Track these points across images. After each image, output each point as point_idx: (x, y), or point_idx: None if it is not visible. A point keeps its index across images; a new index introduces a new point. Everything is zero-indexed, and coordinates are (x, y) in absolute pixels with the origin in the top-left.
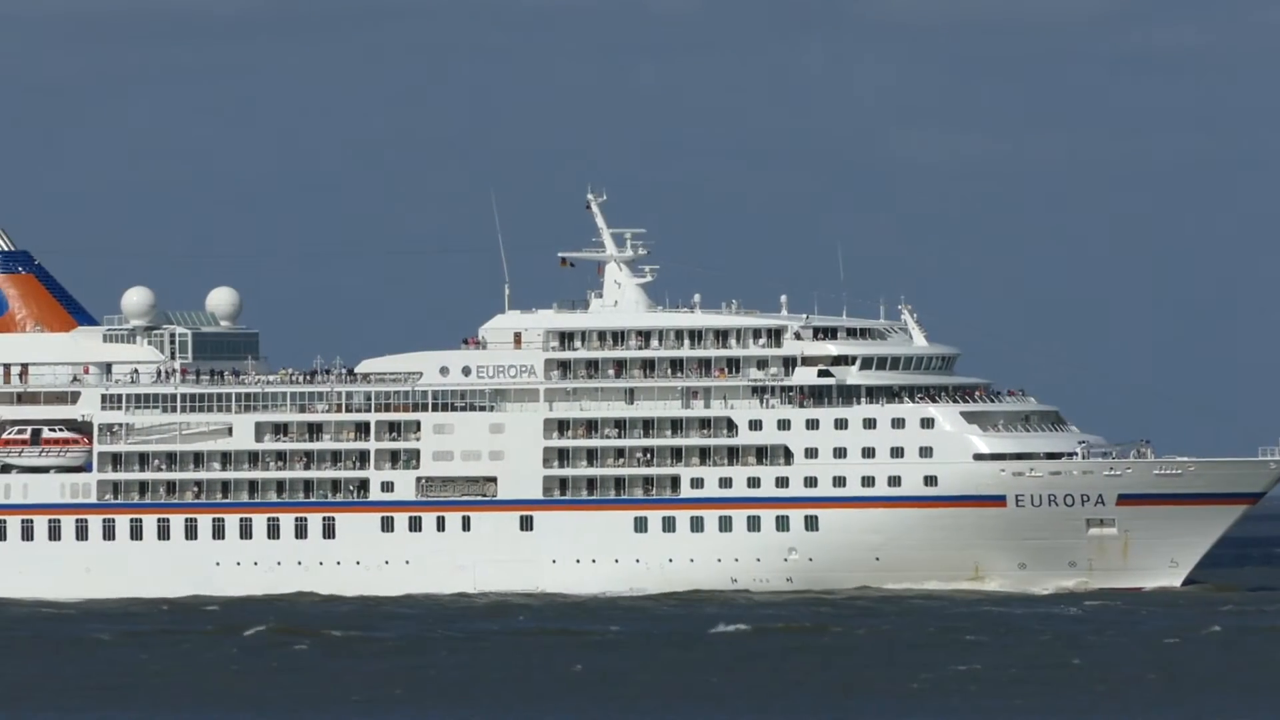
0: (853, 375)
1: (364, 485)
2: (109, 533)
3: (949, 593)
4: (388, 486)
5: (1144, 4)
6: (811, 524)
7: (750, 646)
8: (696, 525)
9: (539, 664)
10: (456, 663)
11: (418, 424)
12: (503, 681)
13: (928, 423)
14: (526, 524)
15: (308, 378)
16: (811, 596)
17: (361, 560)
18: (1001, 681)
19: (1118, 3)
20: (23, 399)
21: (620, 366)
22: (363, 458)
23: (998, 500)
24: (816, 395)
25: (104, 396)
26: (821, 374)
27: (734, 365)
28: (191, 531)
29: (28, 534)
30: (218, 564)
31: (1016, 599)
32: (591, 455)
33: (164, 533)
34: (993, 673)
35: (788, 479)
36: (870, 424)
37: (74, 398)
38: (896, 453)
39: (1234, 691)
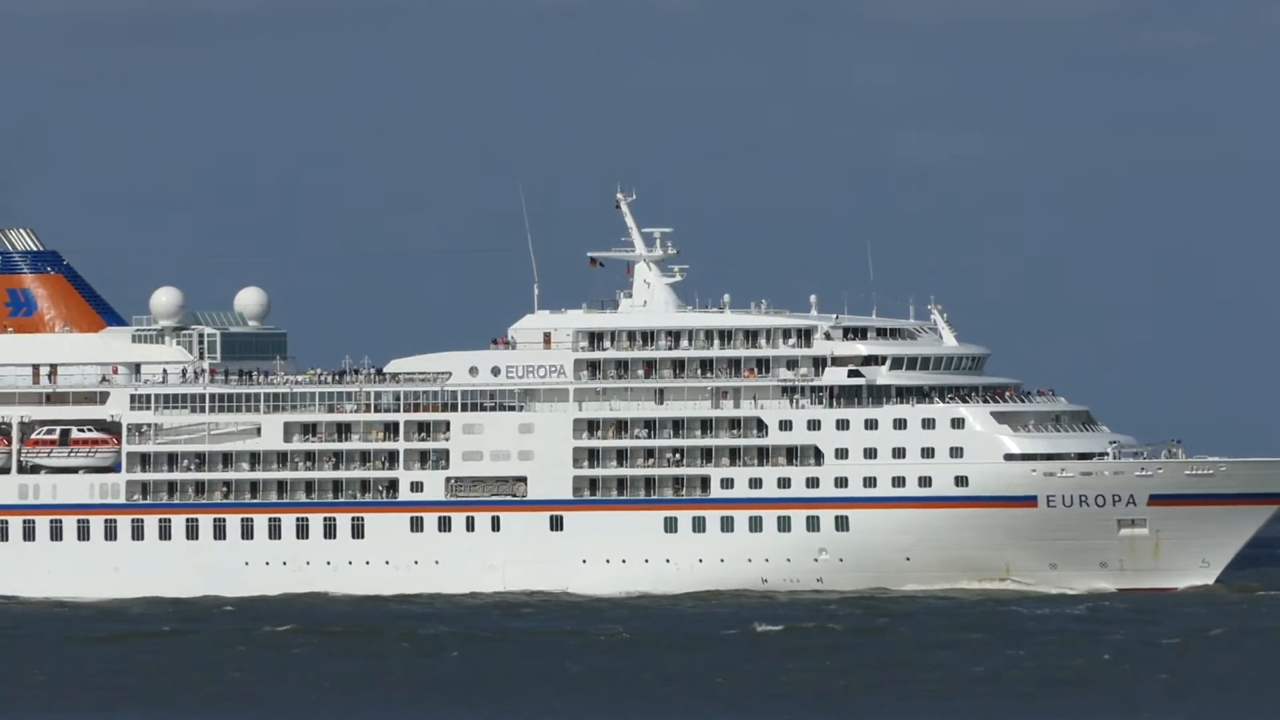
0: (883, 375)
1: (393, 485)
2: (138, 533)
3: (958, 592)
4: (417, 487)
5: (1144, 4)
6: (842, 524)
7: (755, 647)
8: (726, 525)
9: (542, 664)
10: (460, 662)
11: (447, 424)
12: (505, 681)
13: (958, 423)
14: (556, 524)
15: (336, 378)
16: (829, 597)
17: (391, 560)
18: (1004, 681)
19: (1119, 3)
20: (52, 399)
21: (650, 367)
22: (392, 458)
23: (1029, 501)
24: (847, 395)
25: (133, 397)
26: (851, 374)
27: (764, 365)
28: (220, 532)
29: (56, 534)
30: (246, 564)
31: (1017, 600)
32: (621, 455)
33: (193, 533)
34: (996, 673)
35: (818, 479)
36: (901, 424)
37: (103, 398)
38: (927, 453)
39: (1236, 692)
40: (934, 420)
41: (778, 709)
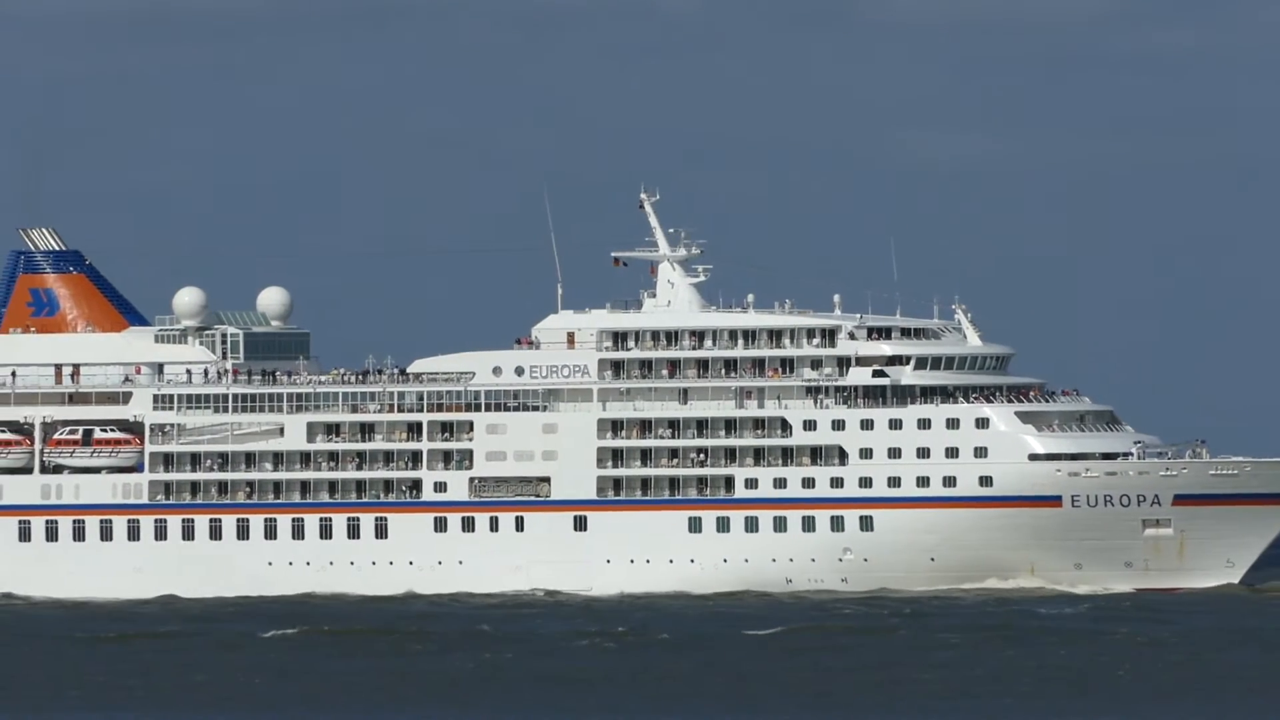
0: (907, 375)
1: (417, 485)
2: (161, 533)
3: (960, 592)
4: (441, 487)
5: (1144, 4)
6: (866, 524)
7: (756, 647)
8: (751, 525)
9: (543, 664)
10: (462, 662)
11: (471, 424)
12: (506, 681)
13: (982, 423)
14: (580, 524)
15: (360, 378)
16: (832, 597)
17: (414, 561)
18: (1005, 681)
19: (1119, 3)
20: (74, 399)
21: (674, 366)
22: (415, 458)
23: (1053, 500)
24: (871, 395)
25: (156, 397)
26: (876, 374)
27: (788, 365)
28: (244, 532)
29: (79, 534)
30: (270, 564)
31: (1020, 599)
32: (645, 455)
33: (216, 533)
34: (996, 673)
35: (842, 479)
36: (925, 424)
37: (125, 398)
38: (951, 453)
39: (1236, 692)
40: (958, 420)
41: (778, 709)
